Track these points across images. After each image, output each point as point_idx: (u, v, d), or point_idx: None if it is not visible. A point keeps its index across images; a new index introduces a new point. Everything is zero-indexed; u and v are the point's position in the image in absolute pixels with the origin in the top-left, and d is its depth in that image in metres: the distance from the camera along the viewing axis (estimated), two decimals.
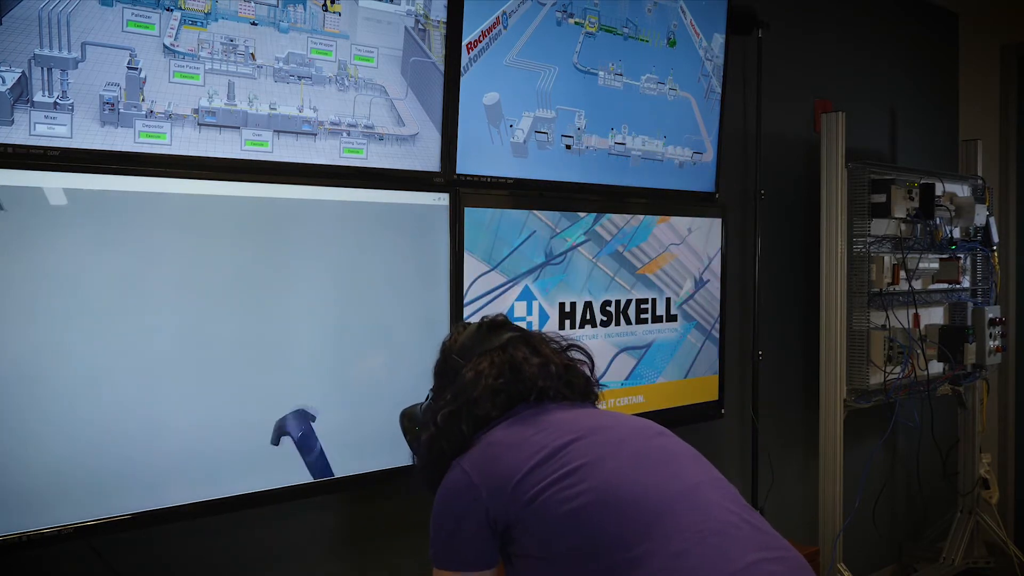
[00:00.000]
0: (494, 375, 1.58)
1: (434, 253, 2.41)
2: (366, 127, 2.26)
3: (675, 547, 1.29)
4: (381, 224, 2.31)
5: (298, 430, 2.10)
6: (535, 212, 2.63)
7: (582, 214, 2.75)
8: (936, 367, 3.81)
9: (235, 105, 2.04)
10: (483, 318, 1.71)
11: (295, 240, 2.15)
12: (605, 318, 2.83)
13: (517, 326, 1.71)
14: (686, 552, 1.29)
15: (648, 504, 1.35)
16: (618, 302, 2.87)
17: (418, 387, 1.88)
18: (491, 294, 2.53)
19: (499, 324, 1.69)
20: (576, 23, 2.70)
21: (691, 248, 3.10)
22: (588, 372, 1.69)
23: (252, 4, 2.04)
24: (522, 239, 2.60)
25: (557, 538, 1.37)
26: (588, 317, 2.78)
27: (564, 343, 1.70)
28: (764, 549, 1.33)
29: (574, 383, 1.65)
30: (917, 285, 3.75)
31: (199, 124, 1.99)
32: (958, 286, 4.00)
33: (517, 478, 1.43)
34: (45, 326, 1.80)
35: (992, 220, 4.09)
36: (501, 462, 1.47)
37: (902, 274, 3.63)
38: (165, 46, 1.93)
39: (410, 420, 1.77)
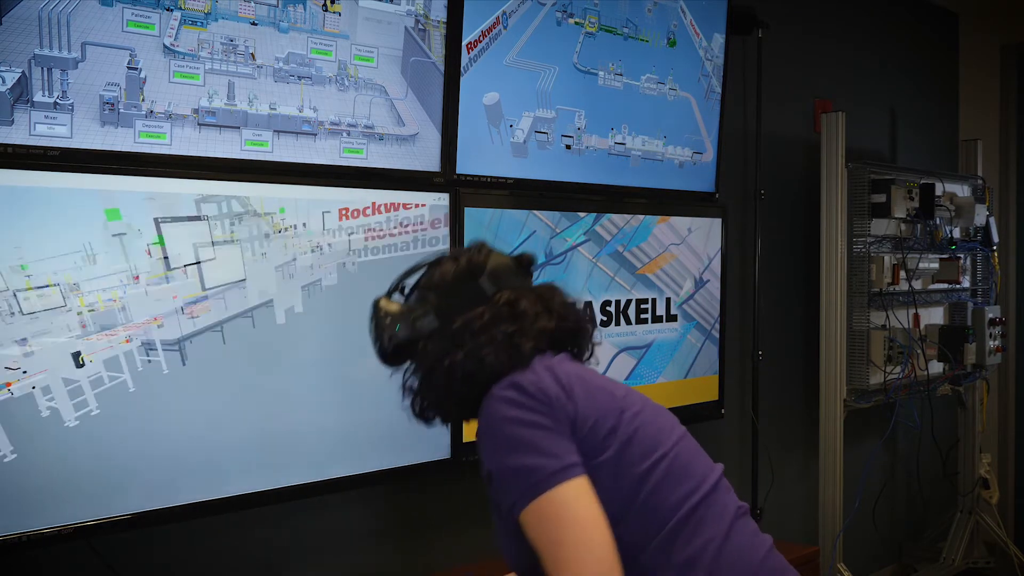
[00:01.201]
0: (547, 314, 1.43)
1: (434, 253, 2.40)
2: (366, 127, 2.26)
3: (724, 525, 1.34)
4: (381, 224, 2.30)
5: None
6: (535, 212, 2.63)
7: (582, 214, 2.75)
8: (936, 367, 3.81)
9: (235, 105, 2.04)
10: (520, 254, 1.53)
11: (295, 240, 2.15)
12: (605, 318, 2.83)
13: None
14: (732, 531, 1.35)
15: (700, 479, 1.38)
16: (618, 302, 2.87)
17: None
18: None
19: (528, 264, 1.53)
20: (576, 23, 2.70)
21: (691, 248, 3.10)
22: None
23: (252, 4, 2.04)
24: (522, 239, 2.60)
25: (623, 500, 1.32)
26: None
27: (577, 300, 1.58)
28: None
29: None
30: (917, 285, 3.75)
31: (199, 124, 1.99)
32: (958, 286, 4.00)
33: (611, 421, 1.34)
34: (44, 325, 1.80)
35: (992, 220, 4.09)
36: (600, 393, 1.37)
37: (902, 274, 3.64)
38: (165, 46, 1.93)
39: (394, 318, 1.51)
